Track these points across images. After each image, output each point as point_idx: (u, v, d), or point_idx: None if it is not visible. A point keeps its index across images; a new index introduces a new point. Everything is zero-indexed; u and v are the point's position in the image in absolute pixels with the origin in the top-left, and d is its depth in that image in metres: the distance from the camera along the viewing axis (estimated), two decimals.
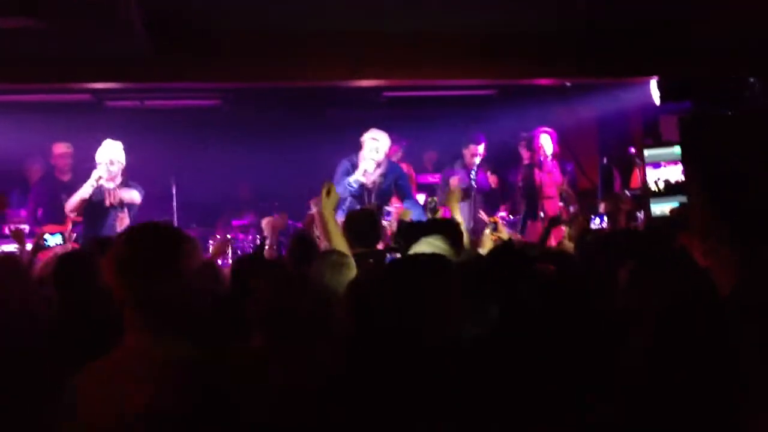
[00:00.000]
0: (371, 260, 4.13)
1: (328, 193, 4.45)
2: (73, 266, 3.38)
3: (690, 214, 2.33)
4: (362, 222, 4.67)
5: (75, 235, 6.73)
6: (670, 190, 2.58)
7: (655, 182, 2.58)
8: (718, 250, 2.22)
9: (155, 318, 1.88)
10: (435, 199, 6.27)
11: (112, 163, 7.19)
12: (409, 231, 4.28)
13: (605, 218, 4.77)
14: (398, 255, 3.81)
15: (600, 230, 4.75)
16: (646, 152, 2.61)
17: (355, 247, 4.28)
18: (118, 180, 7.24)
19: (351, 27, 6.78)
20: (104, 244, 3.94)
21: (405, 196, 7.25)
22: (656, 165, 2.61)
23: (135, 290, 1.90)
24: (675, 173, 2.58)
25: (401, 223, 5.01)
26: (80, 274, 3.31)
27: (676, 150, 2.62)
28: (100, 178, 7.12)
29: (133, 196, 7.28)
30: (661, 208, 2.60)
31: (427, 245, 3.77)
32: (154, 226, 2.03)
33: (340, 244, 4.17)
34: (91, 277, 3.27)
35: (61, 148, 7.88)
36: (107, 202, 7.15)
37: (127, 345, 1.92)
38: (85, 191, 7.11)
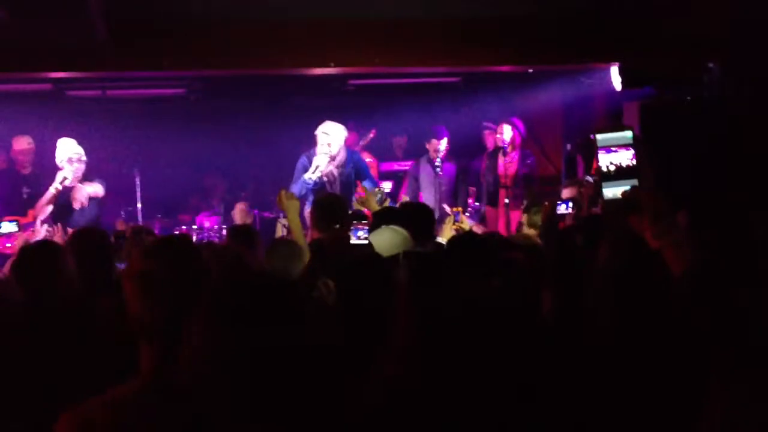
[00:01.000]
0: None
1: (289, 200, 4.65)
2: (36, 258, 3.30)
3: (641, 198, 2.36)
4: (328, 205, 4.68)
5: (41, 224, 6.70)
6: (622, 174, 2.64)
7: (607, 166, 2.64)
8: (669, 233, 2.25)
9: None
10: (382, 190, 6.29)
11: (71, 162, 7.14)
12: (379, 216, 4.31)
13: (570, 204, 4.83)
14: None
15: (564, 216, 4.80)
16: (599, 137, 2.66)
17: (325, 231, 4.32)
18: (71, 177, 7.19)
19: (316, 14, 6.76)
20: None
21: (363, 177, 7.22)
22: (608, 150, 2.67)
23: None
24: (626, 157, 2.66)
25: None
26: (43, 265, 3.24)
27: (628, 134, 2.68)
28: (64, 179, 7.07)
29: (97, 189, 7.23)
30: (612, 191, 2.66)
31: (390, 231, 3.80)
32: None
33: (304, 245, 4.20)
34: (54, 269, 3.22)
35: (21, 144, 7.74)
36: (76, 205, 7.10)
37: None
38: (50, 195, 7.07)
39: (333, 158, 7.04)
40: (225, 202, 9.02)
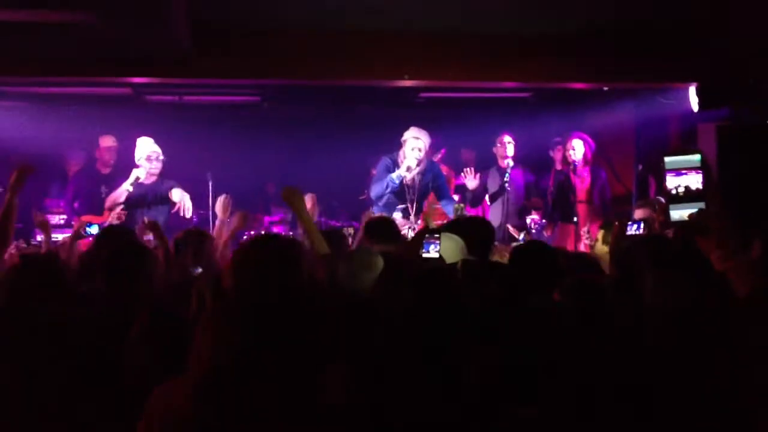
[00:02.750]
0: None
1: (294, 195, 4.17)
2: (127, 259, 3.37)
3: (709, 220, 2.35)
4: (380, 224, 4.71)
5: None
6: (690, 196, 2.63)
7: (676, 188, 2.63)
8: (734, 256, 2.24)
9: None
10: (462, 206, 6.30)
11: (150, 159, 7.29)
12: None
13: (641, 224, 4.75)
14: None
15: (635, 236, 4.72)
16: (667, 159, 2.66)
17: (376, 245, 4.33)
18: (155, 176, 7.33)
19: (389, 26, 6.82)
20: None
21: (442, 196, 7.31)
22: (677, 173, 2.66)
23: None
24: (695, 180, 2.64)
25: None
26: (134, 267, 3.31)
27: (696, 158, 2.67)
28: (137, 179, 7.19)
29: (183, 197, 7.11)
30: (680, 213, 2.66)
31: (446, 239, 3.82)
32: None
33: (322, 246, 3.96)
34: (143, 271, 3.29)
35: (107, 141, 8.03)
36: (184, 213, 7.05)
37: None
38: (121, 192, 7.18)
39: (419, 162, 7.11)
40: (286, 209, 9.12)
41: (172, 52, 6.48)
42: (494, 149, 8.15)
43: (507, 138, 8.07)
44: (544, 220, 8.04)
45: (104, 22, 5.49)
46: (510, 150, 7.99)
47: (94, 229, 5.55)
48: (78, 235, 5.47)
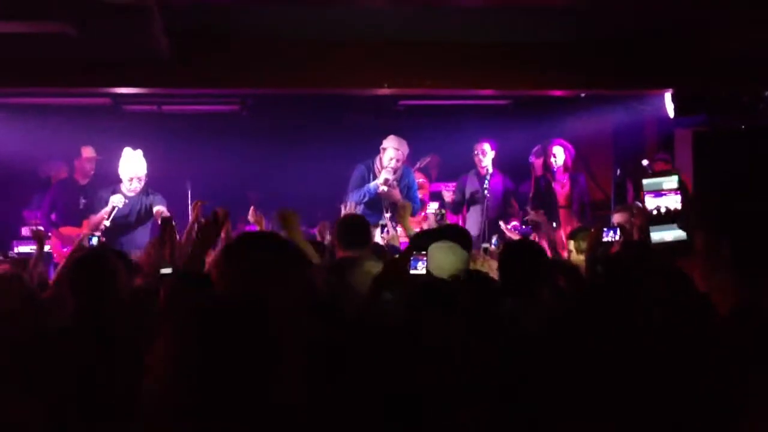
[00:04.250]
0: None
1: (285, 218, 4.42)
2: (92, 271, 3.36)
3: (694, 238, 2.38)
4: (354, 226, 4.67)
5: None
6: (669, 217, 2.66)
7: (657, 209, 2.65)
8: (717, 272, 2.25)
9: None
10: (443, 211, 6.31)
11: (131, 180, 7.18)
12: (421, 237, 4.35)
13: (617, 231, 4.79)
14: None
15: (611, 243, 4.76)
16: (645, 181, 2.69)
17: (346, 251, 4.33)
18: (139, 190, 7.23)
19: (368, 37, 6.85)
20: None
21: (409, 197, 7.25)
22: (657, 194, 2.69)
23: None
24: (674, 201, 2.68)
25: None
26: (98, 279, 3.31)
27: (674, 179, 2.72)
28: (114, 208, 7.00)
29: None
30: (660, 234, 2.67)
31: (448, 250, 3.85)
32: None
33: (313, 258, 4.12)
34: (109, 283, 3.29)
35: (88, 152, 8.01)
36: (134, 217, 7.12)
37: None
38: (100, 220, 6.99)
39: (395, 171, 7.14)
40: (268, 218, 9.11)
41: (151, 62, 6.47)
42: (474, 156, 8.18)
43: (486, 146, 8.11)
44: (523, 226, 8.08)
45: (82, 33, 5.48)
46: (489, 158, 8.04)
47: (95, 241, 5.55)
48: (80, 248, 5.39)
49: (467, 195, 8.16)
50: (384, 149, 7.20)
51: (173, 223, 4.80)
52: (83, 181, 7.96)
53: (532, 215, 6.50)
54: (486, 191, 7.81)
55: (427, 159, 9.04)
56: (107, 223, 6.95)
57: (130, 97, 8.26)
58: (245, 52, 6.87)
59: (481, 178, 7.99)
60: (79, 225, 7.47)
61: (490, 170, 7.98)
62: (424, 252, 3.69)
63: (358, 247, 4.29)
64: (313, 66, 6.97)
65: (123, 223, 7.12)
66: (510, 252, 3.91)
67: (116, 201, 7.05)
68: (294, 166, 9.40)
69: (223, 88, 7.38)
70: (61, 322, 3.25)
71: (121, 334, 3.00)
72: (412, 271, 3.66)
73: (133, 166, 7.23)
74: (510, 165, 8.58)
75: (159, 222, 6.55)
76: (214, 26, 6.62)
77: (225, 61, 6.87)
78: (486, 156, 8.02)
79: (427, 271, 3.68)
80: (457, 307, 2.87)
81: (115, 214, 7.03)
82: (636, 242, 4.72)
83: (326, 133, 9.33)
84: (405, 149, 7.24)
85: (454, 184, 8.94)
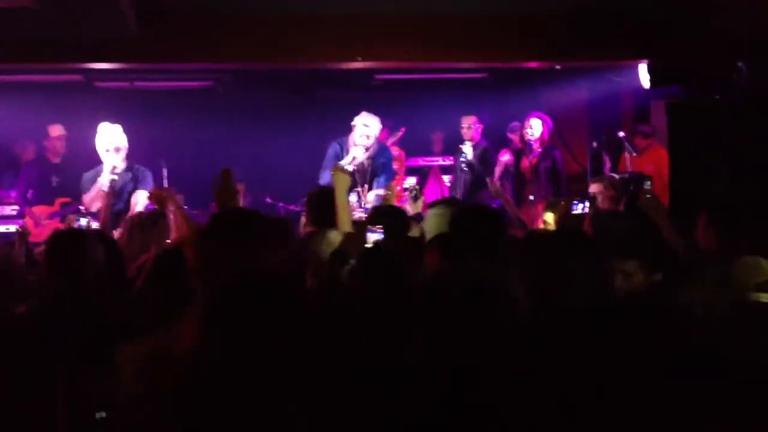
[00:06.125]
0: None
1: (335, 174, 4.58)
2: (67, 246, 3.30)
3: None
4: (323, 200, 4.65)
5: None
6: None
7: None
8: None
9: None
10: (417, 187, 6.29)
11: (118, 150, 6.51)
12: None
13: (587, 204, 4.81)
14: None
15: (582, 215, 4.78)
16: None
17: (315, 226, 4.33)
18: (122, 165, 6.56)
19: (344, 9, 6.79)
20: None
21: (384, 177, 7.22)
22: None
23: None
24: None
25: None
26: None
27: None
28: (115, 168, 6.38)
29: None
30: None
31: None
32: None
33: (347, 227, 4.21)
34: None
35: (57, 131, 7.88)
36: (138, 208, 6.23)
37: None
38: (102, 184, 6.27)
39: (368, 149, 7.08)
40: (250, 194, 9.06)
41: (120, 36, 6.37)
42: (461, 130, 8.22)
43: (468, 120, 8.13)
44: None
45: (45, 6, 5.39)
46: (470, 132, 8.07)
47: (84, 221, 5.47)
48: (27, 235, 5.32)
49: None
50: (354, 126, 7.14)
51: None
52: (55, 160, 7.87)
53: (493, 186, 6.54)
54: (463, 165, 7.86)
55: (399, 134, 8.99)
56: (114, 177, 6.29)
57: (102, 73, 8.15)
58: (216, 27, 6.79)
59: (459, 154, 8.00)
60: (51, 204, 7.39)
61: (470, 144, 7.99)
62: (379, 226, 3.75)
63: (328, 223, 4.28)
64: (284, 40, 6.90)
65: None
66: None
67: (114, 160, 6.40)
68: (271, 143, 9.34)
69: (193, 62, 7.29)
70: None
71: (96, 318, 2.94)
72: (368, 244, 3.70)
73: (111, 137, 6.57)
74: (487, 138, 8.56)
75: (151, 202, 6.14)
76: (186, 0, 6.54)
77: (195, 35, 6.79)
78: (471, 131, 8.06)
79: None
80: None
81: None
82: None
83: (302, 109, 9.27)
84: (376, 124, 7.15)
85: (437, 158, 8.99)
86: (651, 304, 2.79)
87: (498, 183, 6.92)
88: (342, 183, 4.54)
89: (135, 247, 4.16)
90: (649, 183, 4.84)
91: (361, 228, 3.96)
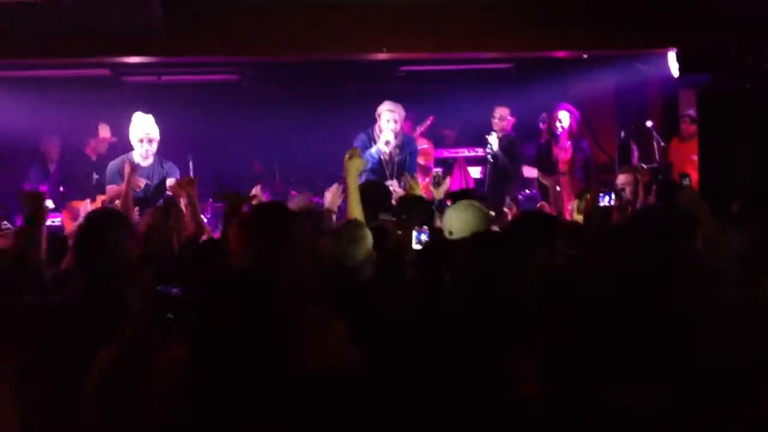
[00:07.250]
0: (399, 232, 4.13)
1: (351, 158, 4.38)
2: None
3: None
4: (379, 193, 4.65)
5: None
6: None
7: None
8: None
9: None
10: (440, 173, 6.29)
11: (151, 141, 6.63)
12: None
13: (613, 196, 4.77)
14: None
15: (609, 207, 4.75)
16: None
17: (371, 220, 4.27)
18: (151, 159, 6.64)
19: (368, 1, 6.75)
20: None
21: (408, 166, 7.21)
22: None
23: None
24: None
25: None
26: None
27: None
28: (148, 151, 6.51)
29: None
30: None
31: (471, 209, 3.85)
32: None
33: (357, 212, 4.14)
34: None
35: (106, 131, 7.95)
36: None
37: None
38: (122, 188, 6.06)
39: (396, 135, 7.06)
40: (270, 188, 9.06)
41: (146, 30, 6.38)
42: (492, 119, 8.18)
43: (500, 111, 8.09)
44: (527, 191, 8.06)
45: (77, 2, 5.41)
46: (501, 123, 8.03)
47: None
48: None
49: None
50: (379, 114, 7.13)
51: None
52: (94, 157, 7.95)
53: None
54: (489, 156, 7.82)
55: (427, 122, 8.95)
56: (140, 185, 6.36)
57: (129, 67, 8.18)
58: (242, 19, 6.76)
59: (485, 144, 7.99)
60: (93, 198, 7.26)
61: (497, 136, 7.96)
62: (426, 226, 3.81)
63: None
64: (310, 32, 6.87)
65: (139, 197, 6.37)
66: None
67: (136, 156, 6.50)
68: (296, 136, 9.35)
69: (220, 55, 7.28)
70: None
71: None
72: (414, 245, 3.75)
73: (143, 126, 6.68)
74: (515, 130, 8.51)
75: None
76: None
77: (222, 28, 6.77)
78: (502, 122, 8.07)
79: (450, 232, 3.74)
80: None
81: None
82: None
83: (327, 101, 9.27)
84: (401, 111, 7.14)
85: (458, 149, 8.93)
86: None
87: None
88: (356, 167, 4.42)
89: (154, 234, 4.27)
90: (688, 180, 4.78)
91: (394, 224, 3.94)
